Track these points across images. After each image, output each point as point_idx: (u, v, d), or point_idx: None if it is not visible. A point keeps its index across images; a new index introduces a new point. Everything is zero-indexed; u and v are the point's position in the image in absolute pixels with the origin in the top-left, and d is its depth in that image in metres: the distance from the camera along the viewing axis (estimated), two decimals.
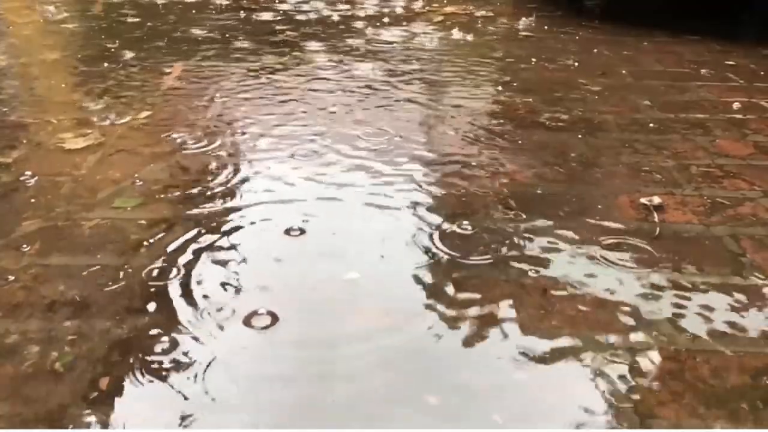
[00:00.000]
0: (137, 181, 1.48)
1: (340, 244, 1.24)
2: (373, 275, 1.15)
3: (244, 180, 1.50)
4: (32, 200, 1.39)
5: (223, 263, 1.17)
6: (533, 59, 2.50)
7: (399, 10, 3.43)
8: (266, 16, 3.27)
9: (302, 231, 1.28)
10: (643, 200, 1.39)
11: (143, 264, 1.16)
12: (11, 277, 1.12)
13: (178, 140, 1.72)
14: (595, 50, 2.66)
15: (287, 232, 1.28)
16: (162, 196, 1.42)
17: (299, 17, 3.24)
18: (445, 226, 1.29)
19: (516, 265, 1.17)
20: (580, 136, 1.76)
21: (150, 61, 2.46)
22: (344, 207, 1.38)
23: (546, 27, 3.07)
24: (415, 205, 1.38)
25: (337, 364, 0.94)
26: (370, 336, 1.00)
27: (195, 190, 1.44)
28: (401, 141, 1.71)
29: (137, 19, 3.16)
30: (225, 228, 1.29)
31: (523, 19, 3.24)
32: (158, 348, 0.96)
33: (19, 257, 1.18)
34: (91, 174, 1.51)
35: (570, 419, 0.85)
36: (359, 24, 3.11)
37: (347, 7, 3.50)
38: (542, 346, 0.97)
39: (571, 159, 1.62)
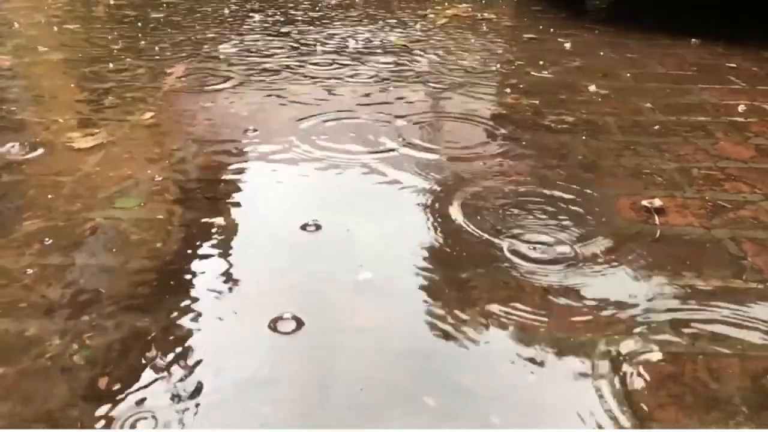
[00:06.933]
0: (139, 181, 1.48)
1: (355, 241, 1.25)
2: (384, 275, 1.15)
3: (253, 178, 1.50)
4: (34, 199, 1.39)
5: (233, 262, 1.18)
6: (538, 61, 2.50)
7: (402, 12, 3.43)
8: (270, 11, 3.28)
9: (318, 227, 1.28)
10: (644, 202, 1.39)
11: (145, 265, 1.17)
12: (11, 277, 1.12)
13: (181, 140, 1.72)
14: (601, 53, 2.66)
15: (303, 227, 1.28)
16: (165, 196, 1.42)
17: (301, 16, 3.25)
18: (451, 227, 1.29)
19: (517, 266, 1.17)
20: (583, 137, 1.76)
21: (153, 61, 2.46)
22: (354, 205, 1.39)
23: (550, 29, 3.07)
24: (420, 204, 1.38)
25: (337, 365, 0.94)
26: (372, 336, 1.00)
27: (199, 190, 1.44)
28: (405, 142, 1.71)
29: (139, 21, 3.17)
30: (232, 225, 1.29)
31: (526, 20, 3.24)
32: (155, 348, 0.96)
33: (19, 256, 1.18)
34: (93, 174, 1.51)
35: (568, 421, 0.85)
36: (361, 25, 3.11)
37: (346, 6, 3.51)
38: (541, 347, 0.97)
39: (573, 161, 1.62)
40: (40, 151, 1.65)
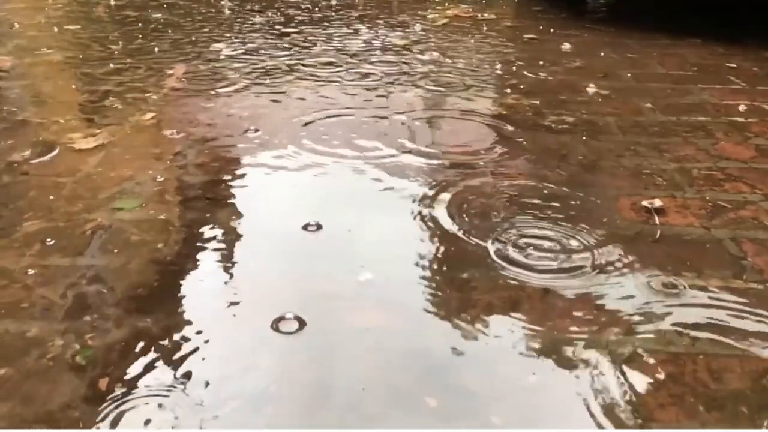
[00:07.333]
0: (140, 182, 1.48)
1: (355, 241, 1.25)
2: (384, 276, 1.15)
3: (254, 178, 1.50)
4: (34, 200, 1.39)
5: (234, 262, 1.18)
6: (539, 61, 2.50)
7: (402, 13, 3.43)
8: (271, 12, 3.28)
9: (319, 226, 1.28)
10: (644, 203, 1.39)
11: (146, 265, 1.17)
12: (12, 277, 1.13)
13: (182, 141, 1.72)
14: (601, 53, 2.65)
15: (304, 228, 1.28)
16: (166, 197, 1.42)
17: (302, 17, 3.25)
18: (451, 228, 1.30)
19: (518, 267, 1.17)
20: (583, 138, 1.76)
21: (153, 62, 2.47)
22: (355, 205, 1.39)
23: (550, 30, 3.07)
24: (421, 205, 1.38)
25: (338, 365, 0.94)
26: (373, 336, 1.00)
27: (200, 191, 1.45)
28: (405, 142, 1.71)
29: (140, 22, 3.18)
30: (233, 226, 1.29)
31: (527, 21, 3.24)
32: (156, 349, 0.96)
33: (20, 257, 1.18)
34: (94, 175, 1.52)
35: (568, 421, 0.85)
36: (361, 26, 3.11)
37: (347, 6, 3.51)
38: (542, 348, 0.97)
39: (573, 161, 1.62)
40: (41, 151, 1.65)
